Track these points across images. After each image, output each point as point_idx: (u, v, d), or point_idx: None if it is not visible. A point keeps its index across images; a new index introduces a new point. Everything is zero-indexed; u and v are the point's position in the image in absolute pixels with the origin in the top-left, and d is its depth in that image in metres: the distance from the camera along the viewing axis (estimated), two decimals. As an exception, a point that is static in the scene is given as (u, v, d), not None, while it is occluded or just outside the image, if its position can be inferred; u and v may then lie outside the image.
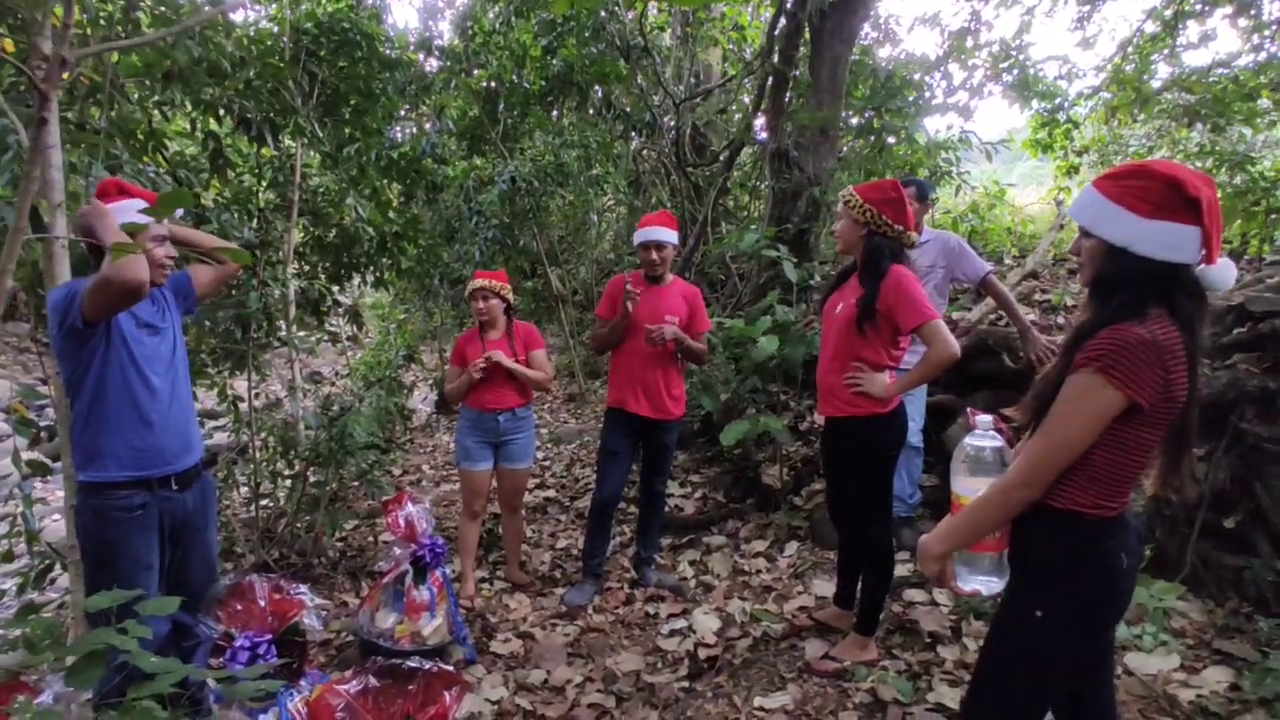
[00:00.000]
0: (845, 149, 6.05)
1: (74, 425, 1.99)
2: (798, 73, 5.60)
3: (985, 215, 6.83)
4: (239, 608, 2.04)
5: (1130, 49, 6.77)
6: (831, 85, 5.07)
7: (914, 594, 2.96)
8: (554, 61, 6.74)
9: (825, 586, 3.14)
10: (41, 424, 2.69)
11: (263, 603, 2.06)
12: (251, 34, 3.81)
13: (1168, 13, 6.38)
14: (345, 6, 4.29)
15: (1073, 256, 1.51)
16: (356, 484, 4.38)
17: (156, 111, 3.46)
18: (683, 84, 8.00)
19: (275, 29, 4.09)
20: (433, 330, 8.45)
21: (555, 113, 7.83)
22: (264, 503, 3.99)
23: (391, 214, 4.83)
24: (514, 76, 7.04)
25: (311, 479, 3.79)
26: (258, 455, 3.87)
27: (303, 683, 1.88)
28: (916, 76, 6.73)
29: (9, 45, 2.55)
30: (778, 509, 3.92)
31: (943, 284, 3.33)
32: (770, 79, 5.70)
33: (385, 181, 5.31)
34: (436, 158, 6.27)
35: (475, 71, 7.22)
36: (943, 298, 3.37)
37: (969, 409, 1.67)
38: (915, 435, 3.27)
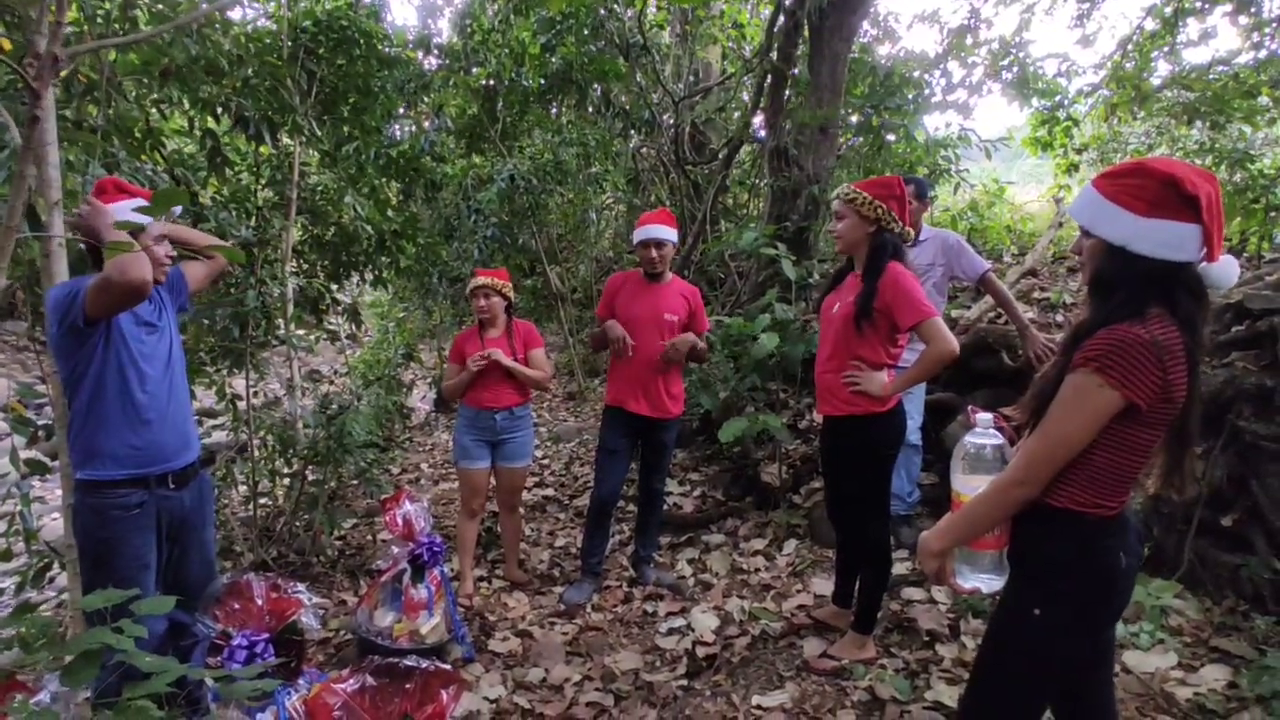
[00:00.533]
0: (844, 147, 6.04)
1: (72, 424, 1.99)
2: (797, 70, 5.60)
3: (984, 213, 6.82)
4: (237, 606, 2.04)
5: (1130, 46, 6.76)
6: (831, 83, 5.06)
7: (912, 592, 2.96)
8: (553, 59, 6.73)
9: (824, 585, 3.14)
10: (39, 422, 2.68)
11: (260, 601, 2.06)
12: (249, 32, 3.80)
13: (1168, 10, 6.37)
14: (344, 4, 4.28)
15: (1072, 255, 1.51)
16: (355, 482, 4.38)
17: (154, 109, 3.45)
18: (682, 82, 7.99)
19: (273, 27, 4.08)
20: (431, 329, 8.44)
21: (554, 111, 7.83)
22: (262, 501, 3.99)
23: (390, 212, 4.83)
24: (513, 74, 7.02)
25: (310, 477, 3.79)
26: (256, 454, 3.87)
27: (300, 681, 1.89)
28: (916, 74, 6.72)
29: (5, 44, 2.54)
30: (776, 507, 3.92)
31: (942, 282, 3.32)
32: (769, 77, 5.70)
33: (384, 180, 5.31)
34: (435, 156, 6.25)
35: (474, 69, 7.20)
36: (942, 296, 3.37)
37: (969, 407, 1.67)
38: (914, 433, 3.27)
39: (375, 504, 4.31)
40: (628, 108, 7.28)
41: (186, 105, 3.57)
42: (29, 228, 2.08)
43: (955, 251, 3.26)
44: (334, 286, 4.62)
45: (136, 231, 1.89)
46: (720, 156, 7.06)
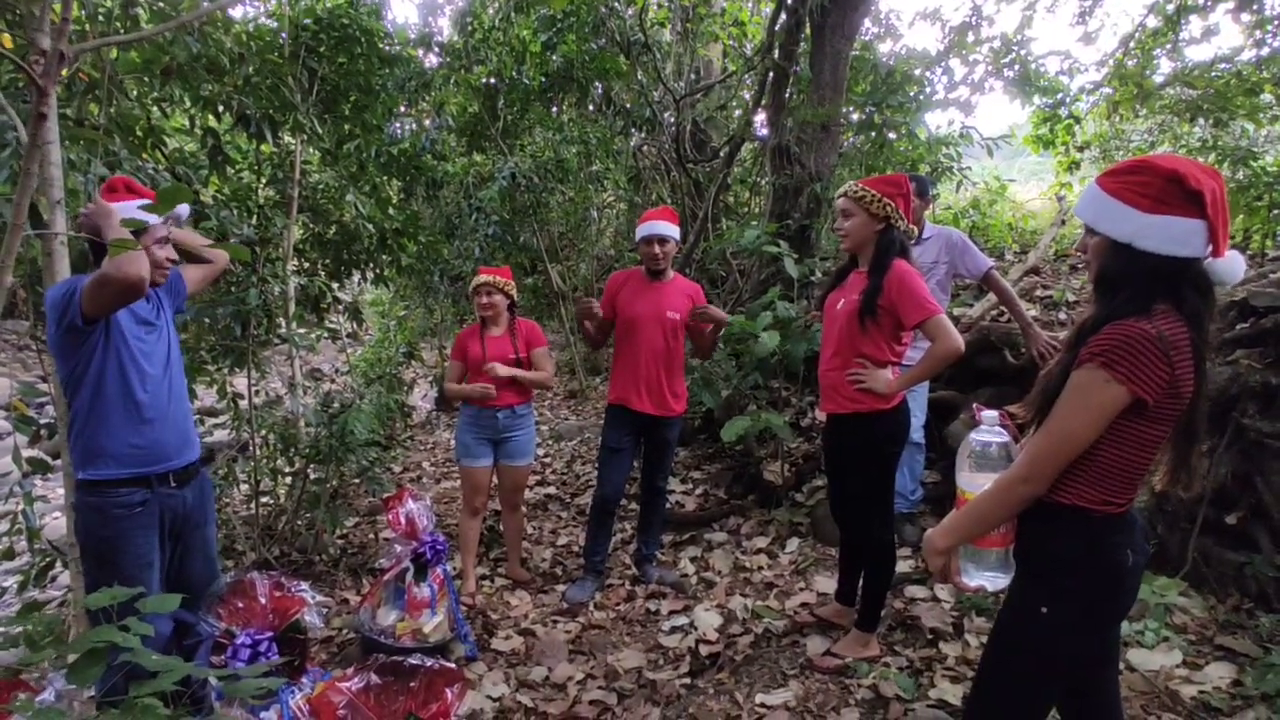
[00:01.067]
0: (846, 145, 6.02)
1: (73, 424, 1.99)
2: (798, 68, 5.58)
3: (986, 211, 6.81)
4: (240, 605, 2.04)
5: (1132, 44, 6.74)
6: (832, 81, 5.06)
7: (915, 590, 2.96)
8: (554, 58, 6.71)
9: (827, 583, 3.14)
10: (41, 421, 2.68)
11: (264, 600, 2.06)
12: (251, 30, 3.80)
13: (1170, 7, 6.36)
14: (345, 2, 4.27)
15: (1078, 254, 1.51)
16: (357, 481, 4.37)
17: (155, 108, 3.45)
18: (683, 80, 7.97)
19: (274, 25, 4.08)
20: (433, 327, 8.44)
21: (555, 109, 7.80)
22: (264, 500, 3.99)
23: (391, 211, 4.82)
24: (514, 73, 7.01)
25: (312, 476, 3.79)
26: (258, 452, 3.87)
27: (304, 680, 1.89)
28: (917, 72, 6.69)
29: (8, 41, 2.54)
30: (779, 505, 3.92)
31: (945, 280, 3.32)
32: (771, 75, 5.68)
33: (385, 178, 5.31)
34: (436, 154, 6.25)
35: (475, 68, 7.19)
36: (945, 293, 3.37)
37: (975, 404, 1.66)
38: (917, 431, 3.27)
39: (377, 502, 4.31)
40: (629, 106, 7.26)
41: (188, 103, 3.57)
42: (31, 226, 2.08)
43: (959, 249, 3.26)
44: (335, 285, 4.62)
45: (140, 231, 1.89)
46: (722, 154, 7.04)
